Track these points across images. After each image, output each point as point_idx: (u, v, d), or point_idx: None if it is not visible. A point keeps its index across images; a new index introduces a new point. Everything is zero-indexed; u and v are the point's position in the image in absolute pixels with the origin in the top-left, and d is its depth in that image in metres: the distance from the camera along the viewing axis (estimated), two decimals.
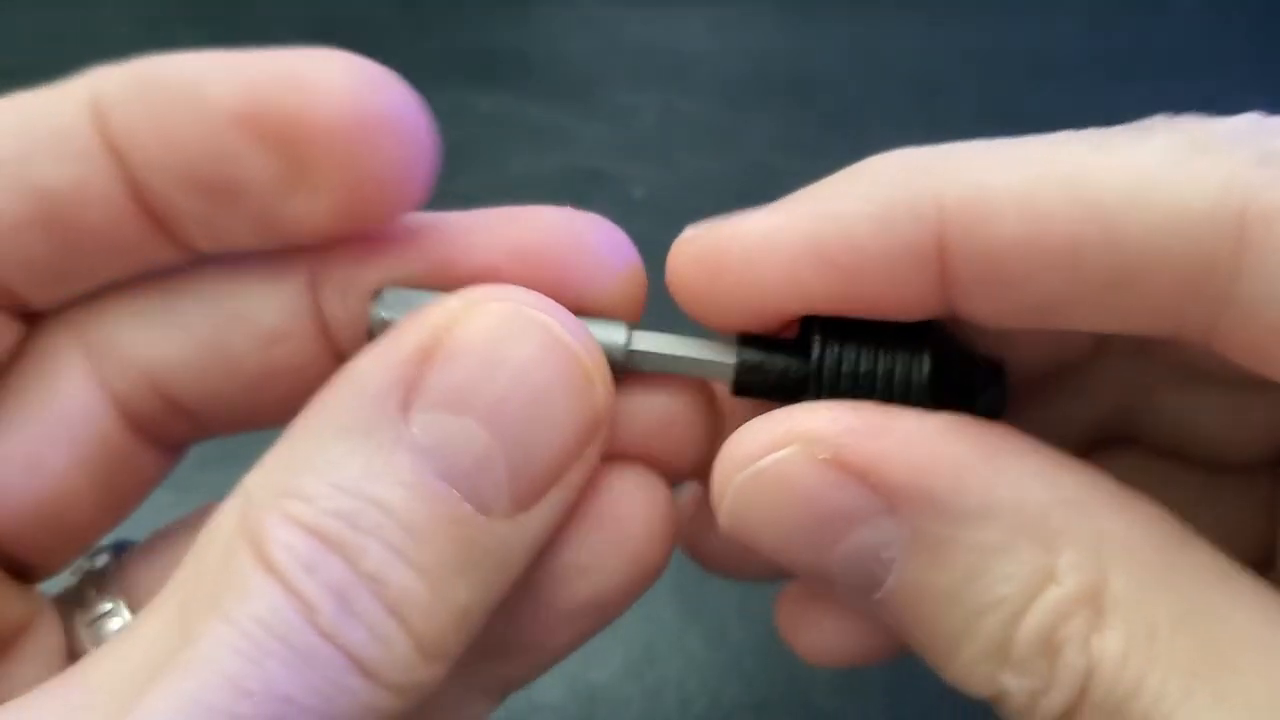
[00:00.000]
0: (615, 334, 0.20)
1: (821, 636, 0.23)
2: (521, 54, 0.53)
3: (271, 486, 0.17)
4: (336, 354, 0.21)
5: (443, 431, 0.17)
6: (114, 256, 0.20)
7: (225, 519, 0.17)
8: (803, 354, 0.20)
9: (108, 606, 0.22)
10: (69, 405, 0.20)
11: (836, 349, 0.20)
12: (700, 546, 0.24)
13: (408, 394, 0.17)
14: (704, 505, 0.24)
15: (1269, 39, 0.54)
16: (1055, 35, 0.54)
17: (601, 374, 0.19)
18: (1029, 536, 0.17)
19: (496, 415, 0.17)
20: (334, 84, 0.18)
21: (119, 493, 0.21)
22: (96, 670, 0.16)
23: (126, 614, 0.22)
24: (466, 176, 0.47)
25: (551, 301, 0.19)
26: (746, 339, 0.20)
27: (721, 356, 0.20)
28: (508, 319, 0.18)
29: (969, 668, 0.18)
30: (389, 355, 0.18)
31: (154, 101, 0.18)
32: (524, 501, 0.18)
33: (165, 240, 0.19)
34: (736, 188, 0.44)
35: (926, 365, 0.19)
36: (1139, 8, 0.55)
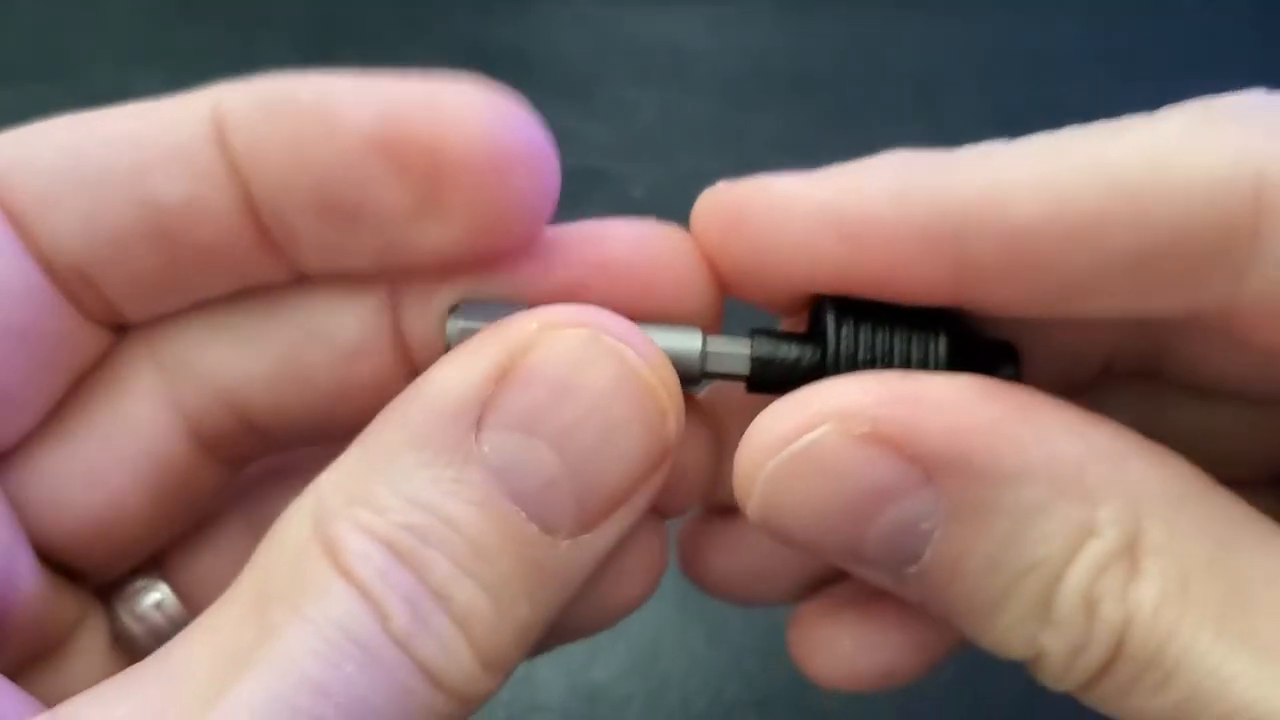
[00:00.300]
0: (690, 342, 0.20)
1: (837, 658, 0.23)
2: (520, 53, 0.53)
3: (345, 493, 0.17)
4: (412, 370, 0.21)
5: (513, 453, 0.17)
6: (219, 273, 0.20)
7: (297, 520, 0.17)
8: (814, 343, 0.20)
9: (141, 583, 0.22)
10: (137, 422, 0.20)
11: (851, 331, 0.19)
12: (703, 571, 0.24)
13: (481, 413, 0.17)
14: (705, 529, 0.24)
15: (1270, 39, 0.54)
16: (1056, 35, 0.54)
17: (675, 406, 0.19)
18: (1067, 493, 0.17)
19: (567, 441, 0.18)
20: (472, 114, 0.18)
21: (179, 506, 0.21)
22: (175, 659, 0.16)
23: (164, 589, 0.22)
24: None
25: (630, 326, 0.18)
26: (755, 332, 0.20)
27: (732, 349, 0.20)
28: (584, 345, 0.18)
29: (1009, 632, 0.18)
30: (464, 373, 0.18)
31: (283, 121, 0.18)
32: (588, 524, 0.18)
33: (274, 260, 0.19)
34: None
35: (943, 345, 0.19)
36: (1140, 7, 0.55)
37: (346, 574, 0.17)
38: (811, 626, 0.23)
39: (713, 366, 0.20)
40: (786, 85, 0.51)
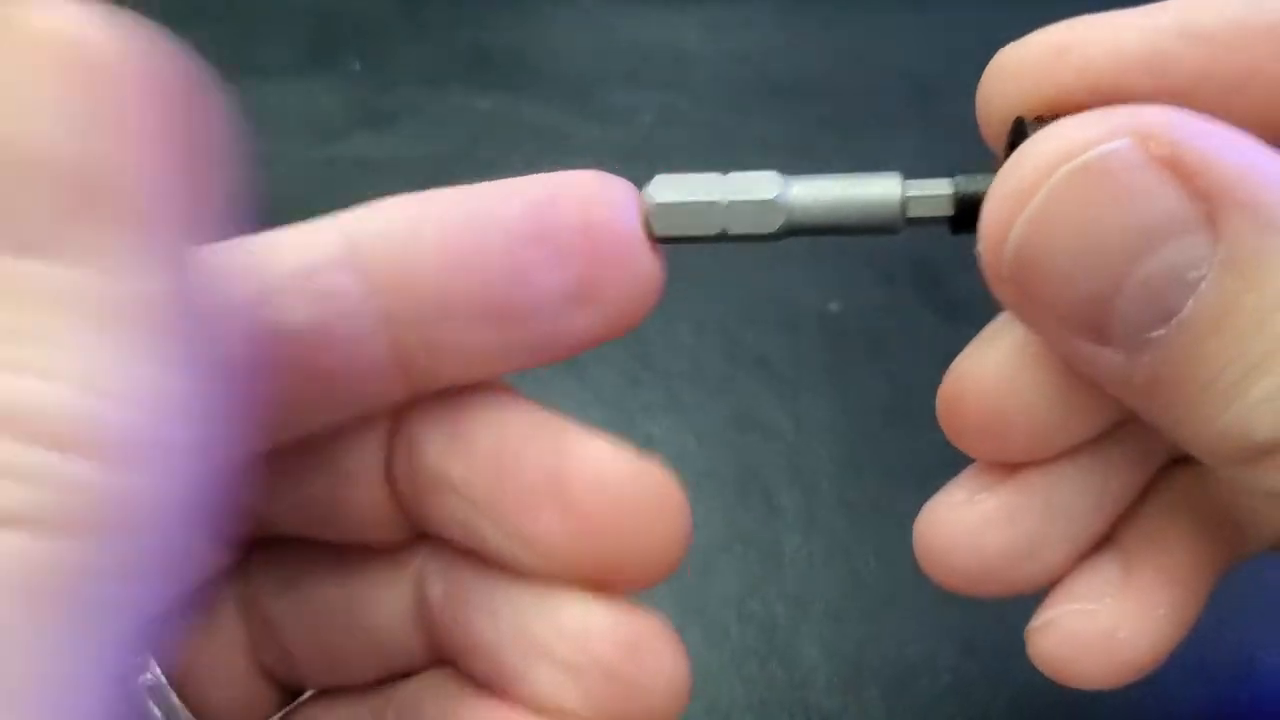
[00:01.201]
0: (888, 186, 0.19)
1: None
2: (519, 55, 0.53)
3: None
4: (395, 498, 0.21)
5: None
6: (334, 404, 0.19)
7: None
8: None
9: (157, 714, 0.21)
10: None
11: None
12: (958, 562, 0.22)
13: None
14: (955, 512, 0.22)
15: None
16: None
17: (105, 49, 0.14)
18: None
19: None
20: (614, 196, 0.19)
21: None
22: None
23: (156, 670, 0.21)
24: (465, 178, 0.47)
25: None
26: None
27: (932, 189, 0.19)
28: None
29: (1262, 404, 0.16)
30: None
31: (431, 233, 0.18)
32: (93, 229, 0.14)
33: (396, 384, 0.19)
34: None
35: None
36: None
37: None
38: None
39: (915, 210, 0.19)
40: (786, 88, 0.51)
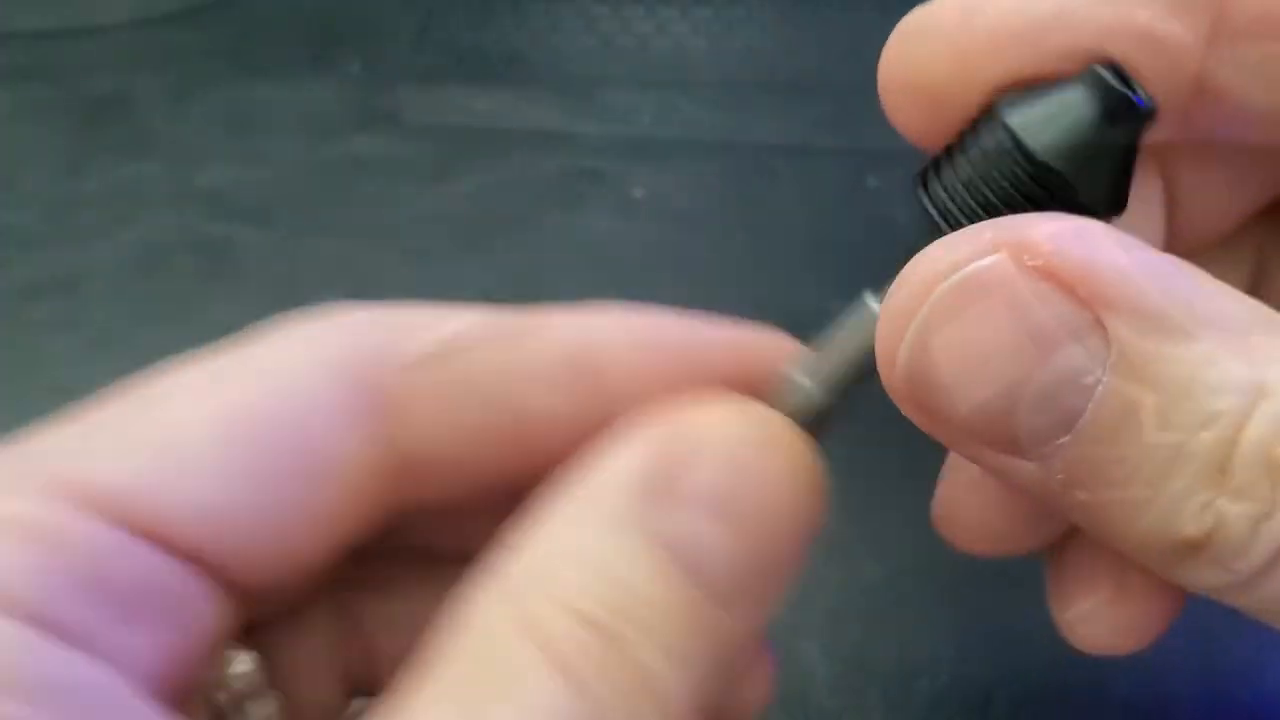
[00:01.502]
0: (808, 390, 0.21)
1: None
2: (520, 54, 0.53)
3: (537, 575, 0.18)
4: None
5: (694, 531, 0.18)
6: (545, 471, 0.20)
7: (487, 606, 0.18)
8: (926, 226, 0.20)
9: (228, 651, 0.22)
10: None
11: (938, 185, 0.19)
12: (974, 527, 0.24)
13: (661, 492, 0.18)
14: (968, 485, 0.24)
15: None
16: None
17: (823, 490, 0.20)
18: (1236, 350, 0.16)
19: (741, 520, 0.18)
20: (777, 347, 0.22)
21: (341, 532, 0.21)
22: None
23: (249, 659, 0.22)
24: (466, 177, 0.47)
25: (778, 415, 0.20)
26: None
27: (871, 302, 0.20)
28: (755, 429, 0.19)
29: (1178, 502, 0.16)
30: (641, 451, 0.19)
31: (655, 361, 0.21)
32: (755, 602, 0.19)
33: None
34: (736, 188, 0.44)
35: (1000, 123, 0.19)
36: None
37: (555, 663, 0.16)
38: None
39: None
40: (786, 87, 0.51)
